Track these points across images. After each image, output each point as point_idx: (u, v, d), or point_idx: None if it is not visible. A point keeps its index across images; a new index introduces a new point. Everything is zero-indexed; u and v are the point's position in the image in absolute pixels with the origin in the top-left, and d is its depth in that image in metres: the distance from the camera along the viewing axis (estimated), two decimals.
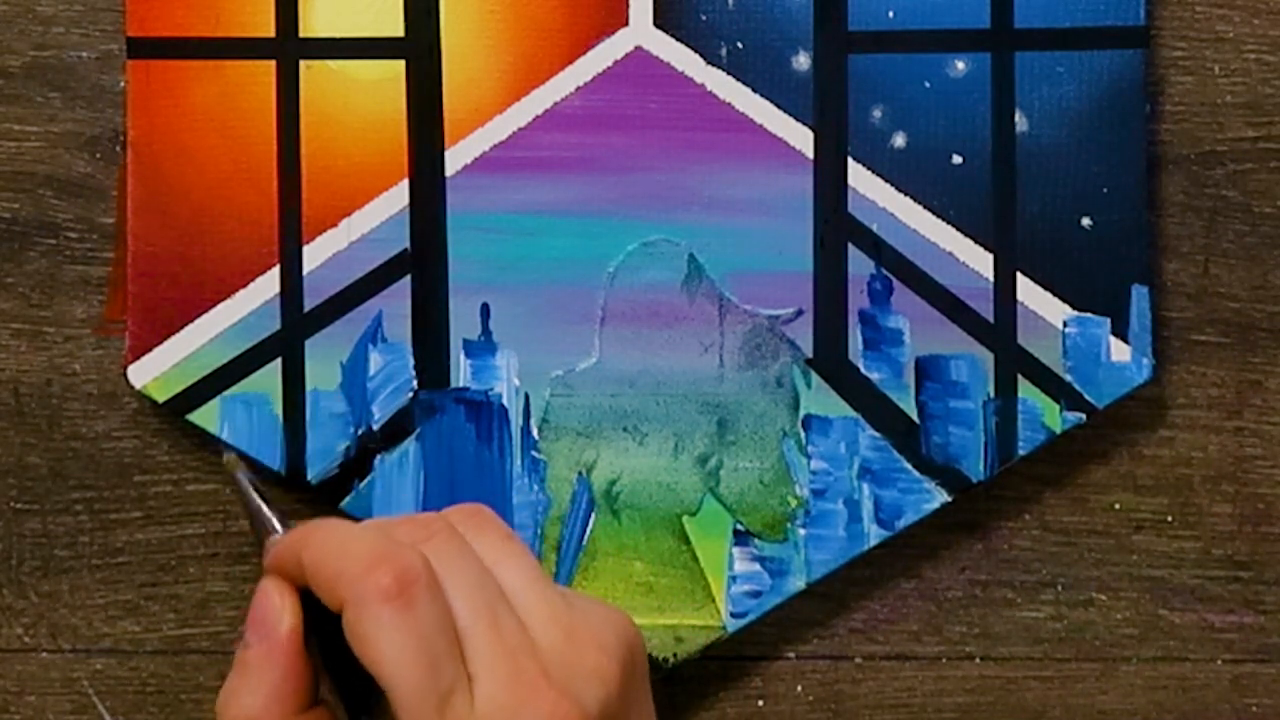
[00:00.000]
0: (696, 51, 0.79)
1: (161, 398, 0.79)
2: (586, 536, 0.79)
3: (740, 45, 0.79)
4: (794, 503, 0.79)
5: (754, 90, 0.79)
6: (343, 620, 0.59)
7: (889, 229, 0.79)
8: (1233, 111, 0.80)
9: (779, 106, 0.79)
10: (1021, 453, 0.79)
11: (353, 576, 0.59)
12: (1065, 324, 0.79)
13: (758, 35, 0.79)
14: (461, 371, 0.79)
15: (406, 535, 0.61)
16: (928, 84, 0.79)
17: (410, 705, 0.58)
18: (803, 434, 0.79)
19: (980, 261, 0.79)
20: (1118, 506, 0.81)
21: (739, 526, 0.79)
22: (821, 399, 0.79)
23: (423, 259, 0.79)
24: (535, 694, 0.59)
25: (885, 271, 0.79)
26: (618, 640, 0.61)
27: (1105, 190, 0.79)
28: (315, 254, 0.79)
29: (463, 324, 0.79)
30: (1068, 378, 0.79)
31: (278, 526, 0.63)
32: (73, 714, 0.82)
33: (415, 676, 0.58)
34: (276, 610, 0.61)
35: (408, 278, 0.79)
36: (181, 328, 0.79)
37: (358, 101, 0.79)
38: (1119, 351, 0.79)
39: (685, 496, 0.80)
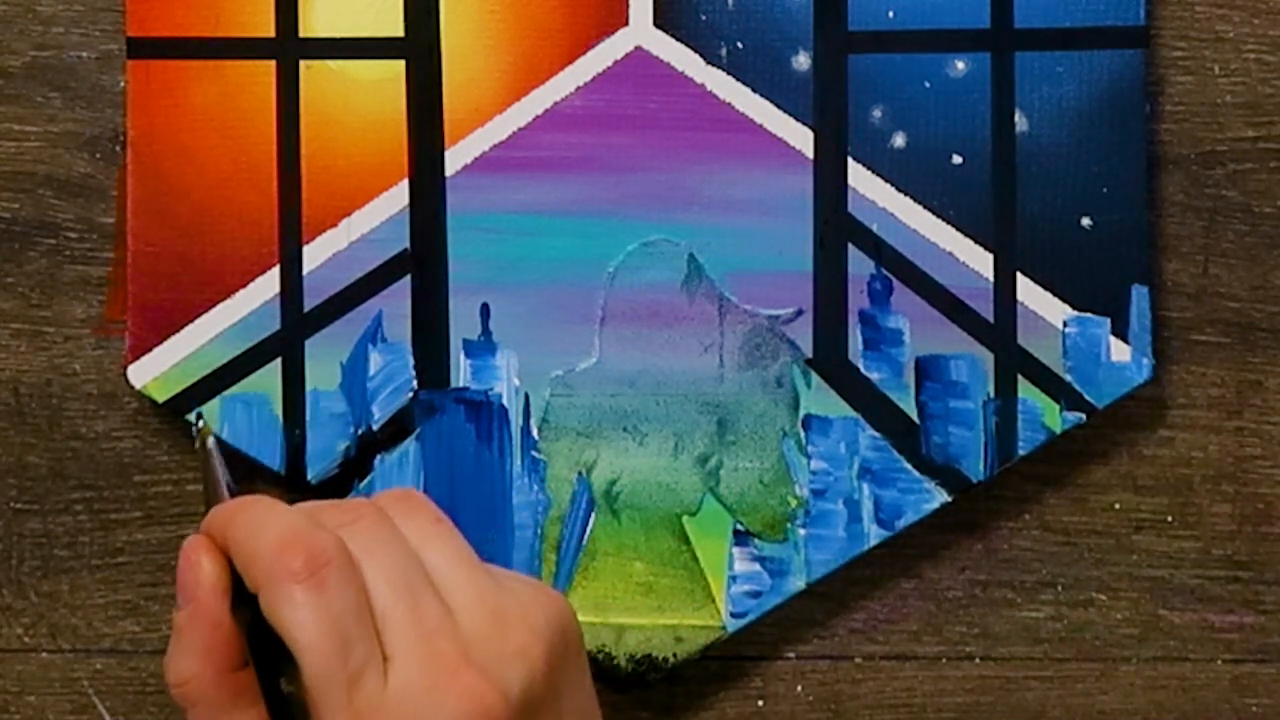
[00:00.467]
0: (696, 51, 0.79)
1: (161, 398, 0.79)
2: (586, 536, 0.79)
3: (740, 45, 0.79)
4: (794, 503, 0.79)
5: (754, 90, 0.79)
6: (259, 600, 0.59)
7: (889, 229, 0.79)
8: (1233, 111, 0.80)
9: (779, 106, 0.79)
10: (1021, 453, 0.79)
11: (266, 558, 0.59)
12: (1065, 324, 0.79)
13: (758, 35, 0.79)
14: (461, 371, 0.79)
15: (332, 519, 0.61)
16: (928, 84, 0.79)
17: (319, 683, 0.58)
18: (803, 434, 0.79)
19: (980, 261, 0.79)
20: (1118, 506, 0.81)
21: (739, 526, 0.79)
22: (821, 399, 0.79)
23: (423, 259, 0.79)
24: (452, 675, 0.59)
25: (885, 271, 0.79)
26: (547, 622, 0.61)
27: (1105, 190, 0.79)
28: (315, 254, 0.79)
29: (463, 324, 0.79)
30: (1068, 378, 0.79)
31: (225, 497, 0.64)
32: (73, 714, 0.82)
33: (324, 655, 0.58)
34: (197, 571, 0.62)
35: (408, 278, 0.79)
36: (181, 328, 0.79)
37: (358, 101, 0.79)
38: (1119, 351, 0.79)
39: (685, 496, 0.80)
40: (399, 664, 0.59)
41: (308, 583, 0.59)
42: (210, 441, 0.66)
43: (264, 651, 0.61)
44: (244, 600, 0.61)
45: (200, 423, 0.68)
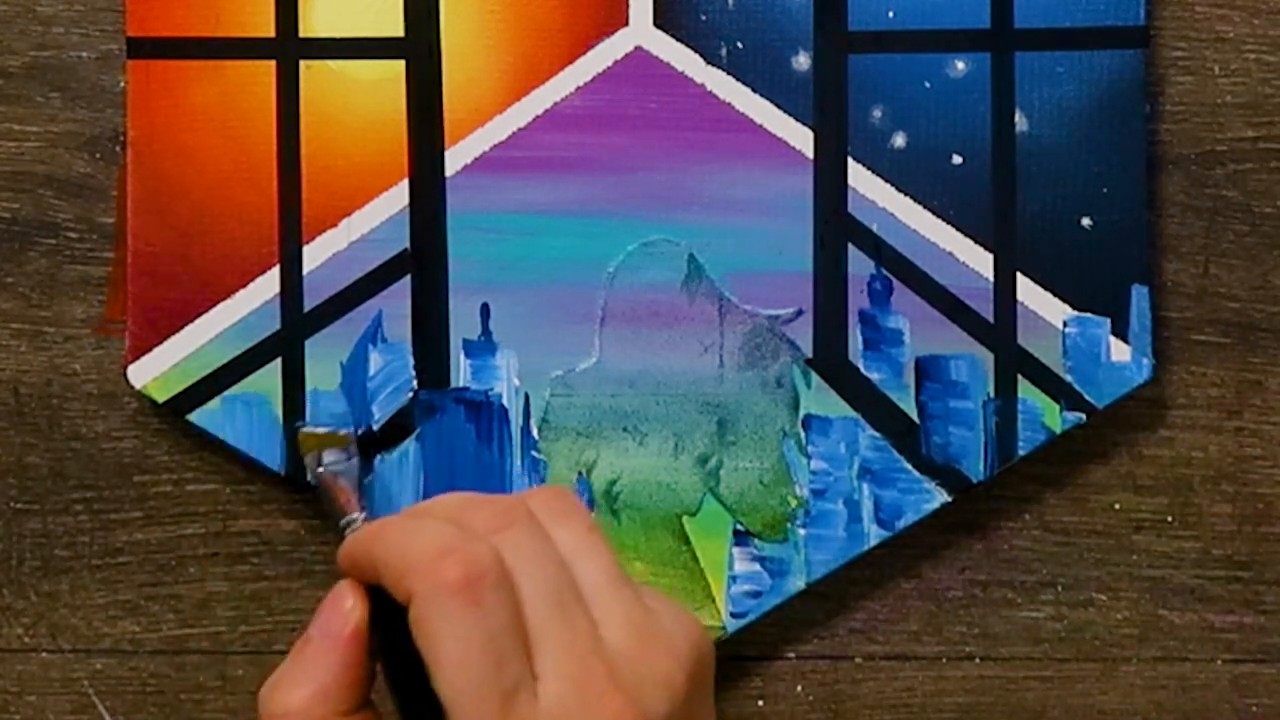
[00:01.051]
0: (696, 51, 0.79)
1: (161, 398, 0.79)
2: None
3: (740, 45, 0.79)
4: (794, 503, 0.79)
5: (754, 90, 0.79)
6: (409, 615, 0.58)
7: (889, 229, 0.79)
8: (1233, 111, 0.80)
9: (779, 106, 0.79)
10: (1021, 453, 0.79)
11: (421, 569, 0.58)
12: (1065, 324, 0.79)
13: (758, 35, 0.79)
14: (461, 371, 0.79)
15: (484, 523, 0.60)
16: (928, 84, 0.79)
17: (470, 701, 0.57)
18: (803, 434, 0.79)
19: (980, 261, 0.79)
20: (1118, 506, 0.81)
21: (739, 526, 0.79)
22: (821, 399, 0.79)
23: (423, 259, 0.79)
24: (602, 698, 0.58)
25: (885, 271, 0.79)
26: (690, 648, 0.60)
27: (1105, 190, 0.79)
28: (315, 254, 0.79)
29: (463, 324, 0.79)
30: (1068, 378, 0.79)
31: (356, 515, 0.63)
32: (73, 714, 0.82)
33: (478, 673, 0.57)
34: (346, 608, 0.61)
35: (408, 278, 0.79)
36: (181, 328, 0.79)
37: (358, 101, 0.79)
38: (1119, 351, 0.79)
39: (685, 496, 0.80)
40: (550, 683, 0.58)
41: (463, 596, 0.57)
42: (354, 450, 0.65)
43: (401, 677, 0.59)
44: (379, 627, 0.60)
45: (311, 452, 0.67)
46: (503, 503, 0.61)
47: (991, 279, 0.79)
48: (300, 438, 0.77)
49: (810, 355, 0.79)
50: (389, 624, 0.60)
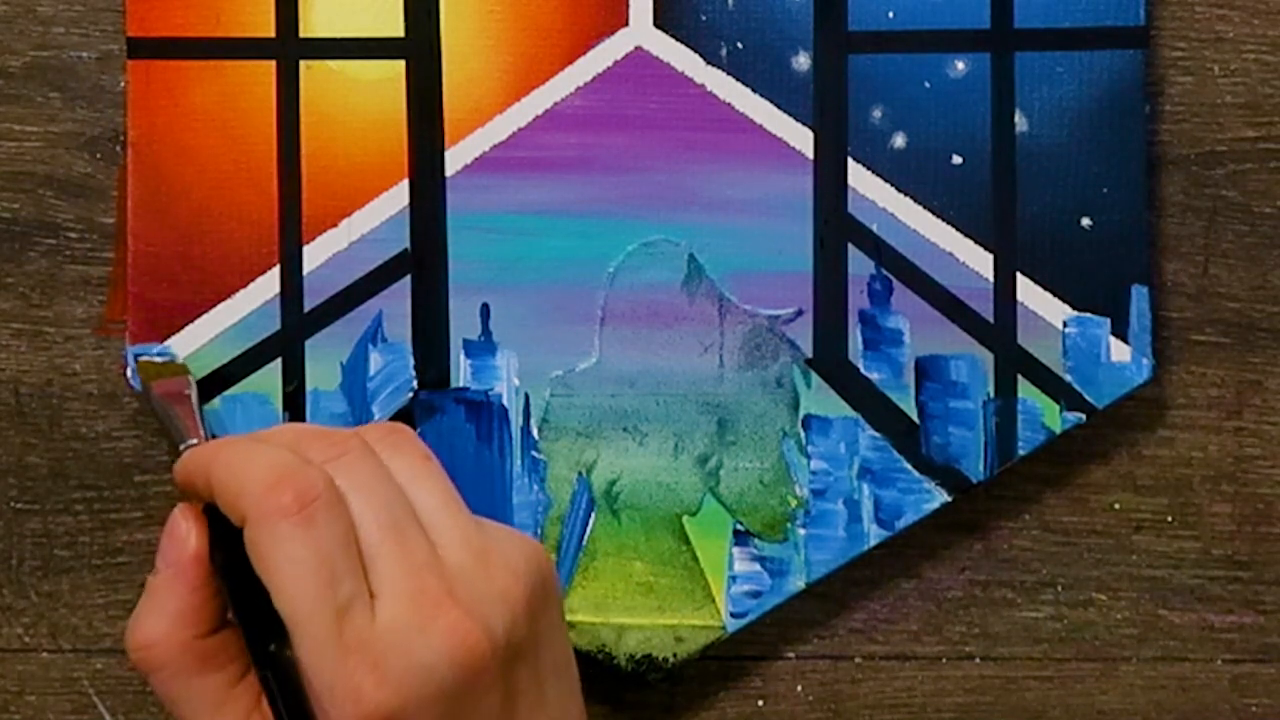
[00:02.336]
0: (696, 51, 0.79)
1: None
2: (586, 536, 0.79)
3: (740, 45, 0.79)
4: (794, 503, 0.79)
5: (754, 90, 0.79)
6: (244, 537, 0.59)
7: (889, 229, 0.79)
8: (1233, 111, 0.80)
9: (779, 106, 0.79)
10: (1021, 453, 0.79)
11: (254, 494, 0.59)
12: (1065, 324, 0.79)
13: (758, 35, 0.79)
14: (461, 371, 0.79)
15: (319, 453, 0.61)
16: (928, 84, 0.79)
17: (306, 619, 0.58)
18: (803, 434, 0.79)
19: (980, 261, 0.79)
20: (1118, 506, 0.81)
21: (739, 526, 0.79)
22: (821, 399, 0.79)
23: (423, 259, 0.79)
24: (439, 611, 0.59)
25: (885, 271, 0.79)
26: (528, 567, 0.61)
27: (1105, 190, 0.79)
28: (315, 254, 0.79)
29: (463, 324, 0.79)
30: (1068, 378, 0.79)
31: (202, 436, 0.64)
32: (73, 714, 0.82)
33: (311, 590, 0.58)
34: (183, 535, 0.62)
35: (408, 278, 0.79)
36: (181, 328, 0.79)
37: (358, 101, 0.79)
38: (1119, 351, 0.79)
39: (685, 496, 0.80)
40: (386, 600, 0.59)
41: (296, 518, 0.59)
42: (191, 381, 0.66)
43: (244, 597, 0.60)
44: (220, 547, 0.61)
45: (157, 359, 0.68)
46: (338, 434, 0.62)
47: (991, 279, 0.79)
48: (139, 365, 0.75)
49: (810, 355, 0.79)
50: (228, 542, 0.61)
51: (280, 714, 0.60)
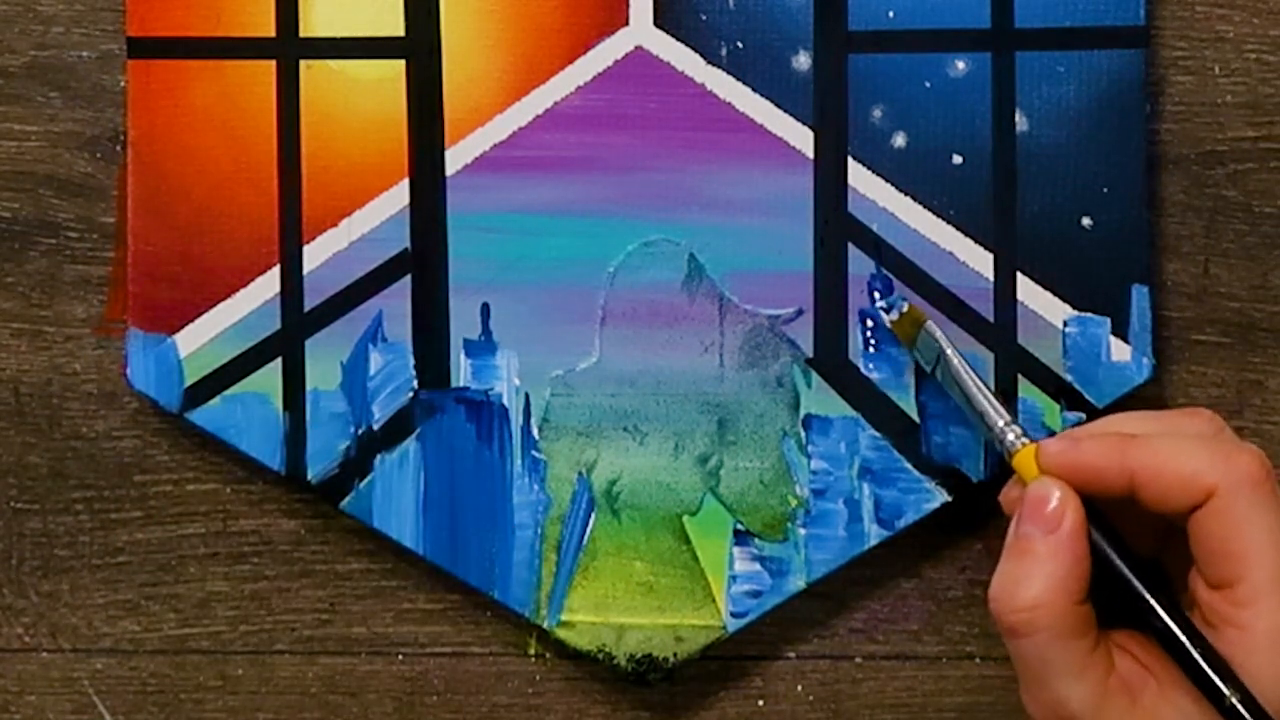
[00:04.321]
0: (696, 51, 0.79)
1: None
2: (587, 536, 0.79)
3: (740, 45, 0.79)
4: (794, 502, 0.79)
5: (754, 90, 0.79)
6: (1200, 512, 0.66)
7: (889, 229, 0.79)
8: (1233, 111, 0.80)
9: (779, 106, 0.79)
10: None
11: (1219, 467, 0.66)
12: (1065, 324, 0.79)
13: (758, 35, 0.79)
14: (461, 371, 0.79)
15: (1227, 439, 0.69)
16: (928, 84, 0.79)
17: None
18: (803, 434, 0.79)
19: (980, 261, 0.79)
20: None
21: (739, 526, 0.79)
22: (821, 399, 0.79)
23: (423, 259, 0.79)
24: None
25: (885, 271, 0.79)
26: None
27: (1105, 190, 0.79)
28: (315, 254, 0.79)
29: (463, 324, 0.79)
30: (1068, 377, 0.79)
31: (1014, 427, 0.72)
32: (73, 714, 0.82)
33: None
34: (1062, 503, 0.68)
35: (408, 278, 0.79)
36: (181, 328, 0.79)
37: (358, 101, 0.79)
38: (1119, 351, 0.79)
39: (685, 496, 0.80)
40: None
41: (1264, 488, 0.66)
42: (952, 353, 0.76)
43: (1126, 569, 0.68)
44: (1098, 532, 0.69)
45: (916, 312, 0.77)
46: (1194, 412, 0.71)
47: (991, 279, 0.79)
48: (910, 311, 0.78)
49: (810, 355, 0.79)
50: (1096, 522, 0.69)
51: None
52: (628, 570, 0.80)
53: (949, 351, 0.75)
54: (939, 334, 0.76)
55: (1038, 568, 0.68)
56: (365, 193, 0.79)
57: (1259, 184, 0.81)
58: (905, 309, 0.77)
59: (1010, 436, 0.72)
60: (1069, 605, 0.67)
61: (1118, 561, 0.68)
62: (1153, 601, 0.68)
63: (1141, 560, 0.69)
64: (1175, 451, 0.68)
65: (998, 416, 0.73)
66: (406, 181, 0.79)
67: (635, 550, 0.80)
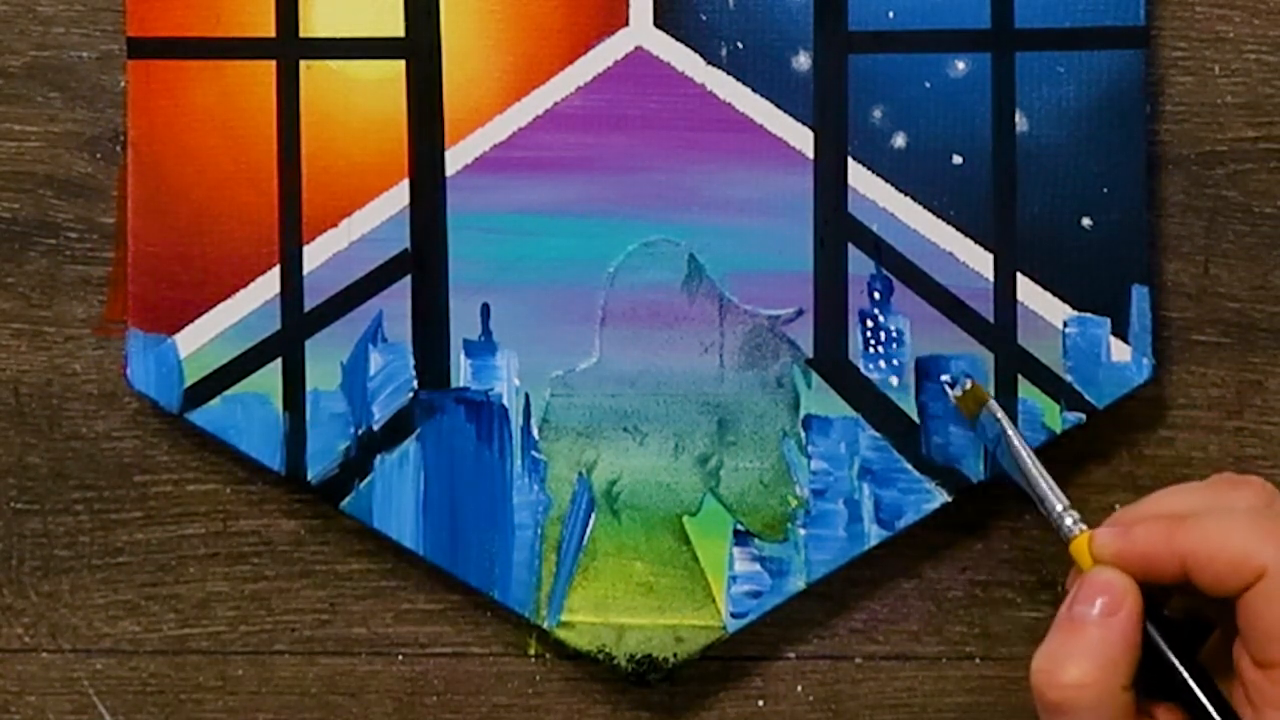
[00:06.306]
0: (696, 51, 0.79)
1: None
2: (587, 536, 0.79)
3: (740, 45, 0.79)
4: (794, 503, 0.79)
5: (754, 90, 0.79)
6: (1250, 592, 0.65)
7: (889, 229, 0.79)
8: (1233, 111, 0.80)
9: (779, 106, 0.79)
10: None
11: (1269, 550, 0.65)
12: (1065, 324, 0.79)
13: (758, 35, 0.79)
14: (461, 371, 0.79)
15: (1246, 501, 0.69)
16: (928, 84, 0.79)
17: None
18: (803, 434, 0.79)
19: (980, 261, 0.79)
20: (1118, 506, 0.81)
21: (739, 526, 0.79)
22: (821, 399, 0.79)
23: (423, 259, 0.79)
24: None
25: (885, 271, 0.79)
26: None
27: (1105, 190, 0.79)
28: (315, 254, 0.79)
29: (463, 324, 0.79)
30: (1068, 378, 0.79)
31: (1071, 513, 0.72)
32: (73, 714, 0.82)
33: None
34: (1121, 590, 0.68)
35: (408, 278, 0.79)
36: (181, 328, 0.79)
37: (358, 101, 0.79)
38: (1119, 351, 0.79)
39: (685, 496, 0.80)
40: None
41: None
42: (1012, 434, 0.75)
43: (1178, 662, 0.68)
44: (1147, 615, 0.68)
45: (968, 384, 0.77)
46: (1245, 481, 0.70)
47: (991, 279, 0.79)
48: (973, 389, 0.78)
49: (810, 355, 0.79)
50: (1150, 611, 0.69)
51: None
52: (628, 570, 0.80)
53: (1010, 432, 0.75)
54: (1000, 414, 0.76)
55: (1088, 647, 0.67)
56: (365, 193, 0.79)
57: (1259, 184, 0.81)
58: (969, 386, 0.77)
59: (1068, 522, 0.72)
60: (1114, 689, 0.66)
61: (1171, 656, 0.68)
62: (1206, 703, 0.67)
63: (1192, 652, 0.69)
64: (1225, 533, 0.67)
65: (1056, 501, 0.73)
66: (406, 182, 0.79)
67: (635, 550, 0.80)
